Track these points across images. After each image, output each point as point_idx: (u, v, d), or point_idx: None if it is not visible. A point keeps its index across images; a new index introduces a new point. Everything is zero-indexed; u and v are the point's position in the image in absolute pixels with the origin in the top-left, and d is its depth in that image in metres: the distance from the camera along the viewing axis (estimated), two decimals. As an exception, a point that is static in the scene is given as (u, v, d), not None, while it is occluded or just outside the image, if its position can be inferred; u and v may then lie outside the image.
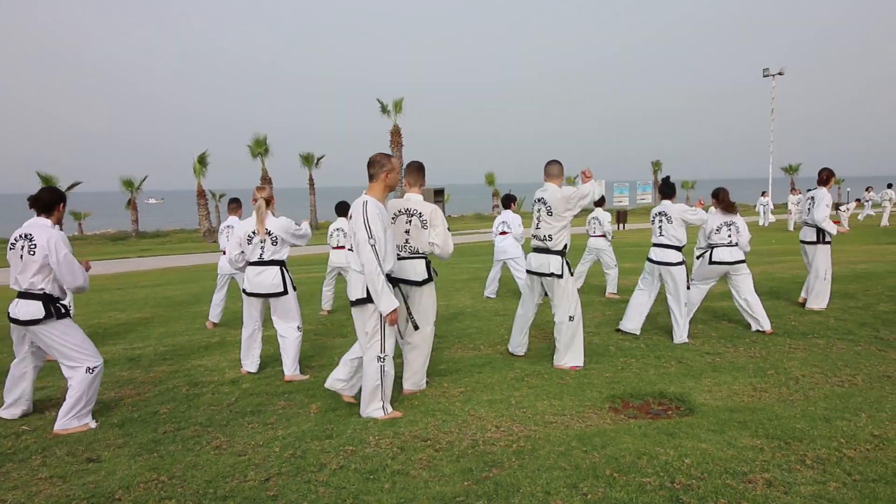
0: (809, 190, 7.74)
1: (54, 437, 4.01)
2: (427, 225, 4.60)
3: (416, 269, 4.60)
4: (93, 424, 4.18)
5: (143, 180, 36.94)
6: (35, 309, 4.07)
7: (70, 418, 4.11)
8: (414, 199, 4.68)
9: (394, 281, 4.75)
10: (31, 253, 4.04)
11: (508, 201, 9.34)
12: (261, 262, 5.20)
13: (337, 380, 4.40)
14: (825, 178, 7.24)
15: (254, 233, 5.17)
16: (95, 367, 4.18)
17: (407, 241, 4.64)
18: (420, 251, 4.63)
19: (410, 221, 4.63)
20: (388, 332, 4.08)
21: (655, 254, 6.16)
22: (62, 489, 3.26)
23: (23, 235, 4.09)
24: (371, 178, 4.14)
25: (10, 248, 4.13)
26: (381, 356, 4.05)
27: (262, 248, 5.18)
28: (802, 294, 7.54)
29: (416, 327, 4.56)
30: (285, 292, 5.22)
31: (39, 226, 4.12)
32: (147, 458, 3.65)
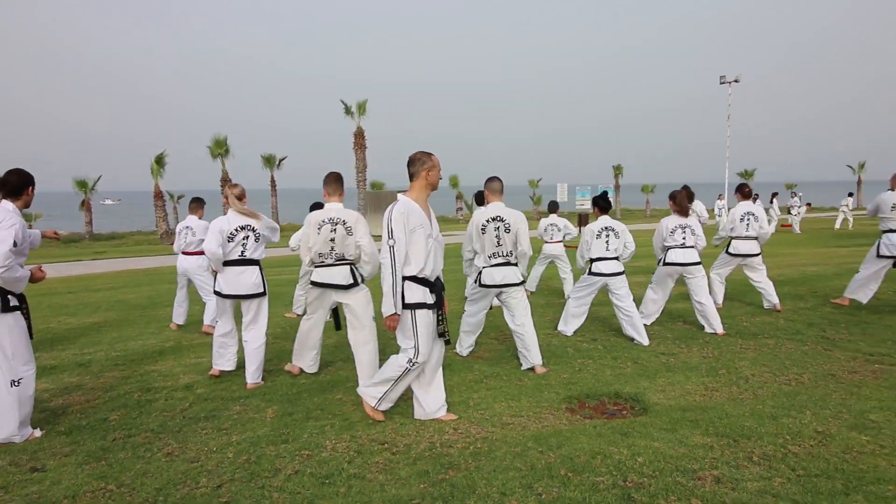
0: (746, 203, 7.55)
1: (-4, 447, 3.86)
2: (351, 231, 4.82)
3: (343, 274, 4.85)
4: (38, 433, 4.02)
5: (97, 180, 35.90)
6: None
7: (6, 436, 3.89)
8: (336, 207, 4.91)
9: (322, 286, 4.84)
10: None
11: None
12: (241, 262, 5.03)
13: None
14: (748, 192, 7.68)
15: (238, 228, 4.99)
16: (20, 380, 3.89)
17: (332, 248, 4.83)
18: (346, 257, 4.86)
19: (335, 230, 4.82)
20: (423, 335, 3.94)
21: (604, 267, 6.15)
22: (3, 500, 3.14)
23: None
24: (412, 176, 4.05)
25: None
26: (414, 360, 3.96)
27: (245, 244, 5.03)
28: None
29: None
30: (265, 293, 5.12)
31: (1, 209, 3.85)
32: (95, 466, 3.54)
